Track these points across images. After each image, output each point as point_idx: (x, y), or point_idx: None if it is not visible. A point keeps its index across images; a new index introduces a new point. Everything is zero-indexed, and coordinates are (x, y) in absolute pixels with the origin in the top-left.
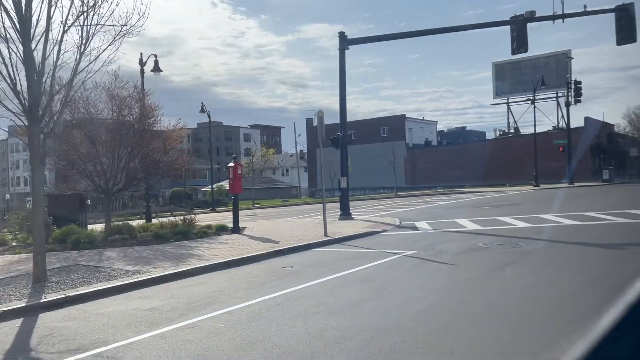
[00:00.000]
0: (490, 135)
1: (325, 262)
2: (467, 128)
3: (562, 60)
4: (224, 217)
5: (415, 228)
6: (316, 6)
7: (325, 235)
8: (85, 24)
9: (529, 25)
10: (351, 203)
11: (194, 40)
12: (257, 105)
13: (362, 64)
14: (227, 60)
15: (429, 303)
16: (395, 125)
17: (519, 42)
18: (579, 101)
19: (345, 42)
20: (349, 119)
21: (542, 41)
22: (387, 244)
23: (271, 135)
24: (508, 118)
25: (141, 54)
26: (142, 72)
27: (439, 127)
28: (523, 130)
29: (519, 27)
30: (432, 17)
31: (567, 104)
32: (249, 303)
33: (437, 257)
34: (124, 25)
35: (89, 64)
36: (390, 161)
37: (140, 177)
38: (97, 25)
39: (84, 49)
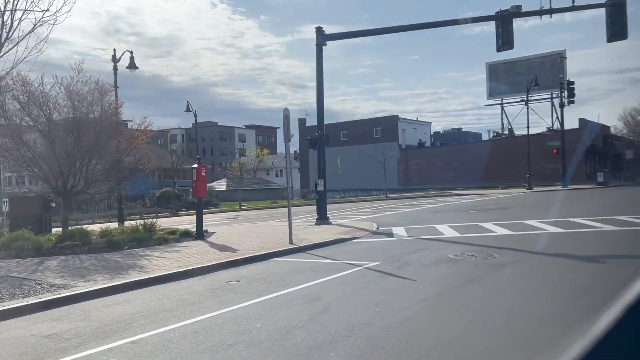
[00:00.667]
0: (485, 136)
1: (277, 275)
2: (464, 129)
3: (557, 61)
4: (205, 220)
5: (390, 235)
6: (316, 7)
7: (291, 242)
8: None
9: (524, 25)
10: (338, 206)
11: (194, 41)
12: (256, 105)
13: (361, 65)
14: (226, 61)
15: (369, 334)
16: (388, 126)
17: (505, 38)
18: (572, 102)
19: (322, 37)
20: (345, 119)
21: (540, 42)
22: (354, 254)
23: (267, 135)
24: (502, 119)
25: (114, 50)
26: (115, 68)
27: (437, 128)
28: (518, 132)
29: (504, 22)
30: (431, 19)
31: (561, 105)
32: (164, 329)
33: (400, 270)
34: (45, 11)
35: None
36: (380, 162)
37: (100, 178)
38: (15, 10)
39: (8, 36)
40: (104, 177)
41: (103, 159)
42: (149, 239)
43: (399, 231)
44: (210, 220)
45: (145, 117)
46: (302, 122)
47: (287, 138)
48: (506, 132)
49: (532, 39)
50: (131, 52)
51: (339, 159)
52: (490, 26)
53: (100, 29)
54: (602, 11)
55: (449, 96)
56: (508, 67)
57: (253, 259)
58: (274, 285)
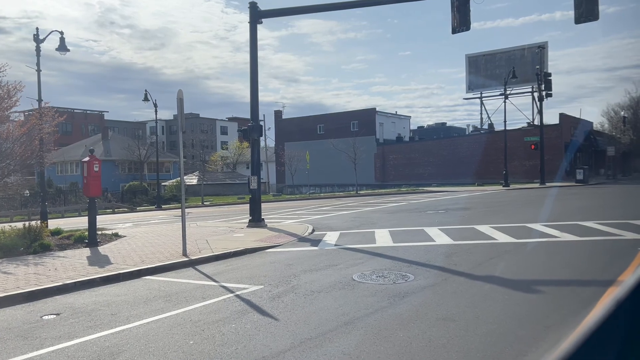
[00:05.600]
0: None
1: (116, 306)
2: (448, 124)
3: (540, 54)
4: (149, 218)
5: (317, 242)
6: (309, 2)
7: (184, 254)
8: None
9: (514, 23)
10: (296, 203)
11: (187, 34)
12: (248, 99)
13: (354, 60)
14: (219, 54)
15: None
16: (365, 120)
17: (461, 18)
18: (550, 95)
19: (256, 14)
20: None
21: (530, 41)
22: (247, 271)
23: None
24: (481, 113)
25: (37, 29)
26: (37, 49)
27: (429, 123)
28: (499, 127)
29: (460, 1)
30: (425, 16)
31: (540, 99)
32: None
33: (275, 300)
34: None
35: None
36: (351, 158)
37: None
38: None
39: None
40: None
41: None
42: (23, 245)
43: (331, 238)
44: (156, 219)
45: (47, 102)
46: (278, 114)
47: (182, 127)
48: (485, 126)
49: (522, 37)
50: (61, 33)
51: (307, 153)
52: (482, 23)
53: (94, 21)
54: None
55: (440, 92)
56: (487, 60)
57: (119, 277)
58: (93, 324)
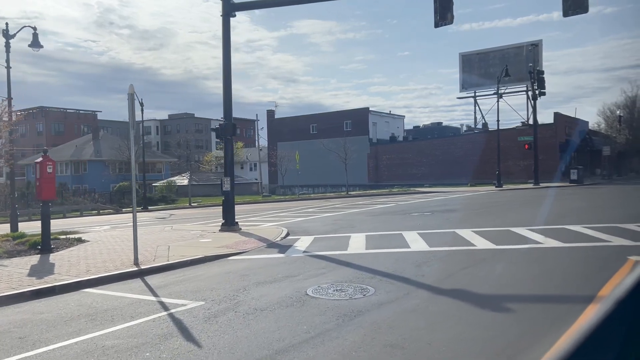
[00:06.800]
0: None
1: (35, 325)
2: (444, 124)
3: (533, 52)
4: (125, 219)
5: (286, 248)
6: (309, 2)
7: (135, 263)
8: None
9: (512, 23)
10: (283, 205)
11: (186, 34)
12: (247, 99)
13: (353, 60)
14: (218, 54)
15: None
16: (358, 119)
17: (442, 12)
18: (544, 94)
19: (229, 6)
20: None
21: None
22: (196, 283)
23: (245, 128)
24: (475, 113)
25: (6, 24)
26: (7, 45)
27: (426, 123)
28: (493, 127)
29: None
30: (423, 16)
31: (533, 97)
32: None
33: (212, 320)
34: None
35: None
36: (341, 158)
37: None
38: None
39: None
40: None
41: None
42: None
43: (302, 243)
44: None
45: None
46: (270, 114)
47: (132, 124)
48: (480, 126)
49: (520, 37)
50: (34, 29)
51: (297, 153)
52: (480, 23)
53: (93, 21)
54: (593, 10)
55: (439, 92)
56: (481, 58)
57: (53, 290)
58: None
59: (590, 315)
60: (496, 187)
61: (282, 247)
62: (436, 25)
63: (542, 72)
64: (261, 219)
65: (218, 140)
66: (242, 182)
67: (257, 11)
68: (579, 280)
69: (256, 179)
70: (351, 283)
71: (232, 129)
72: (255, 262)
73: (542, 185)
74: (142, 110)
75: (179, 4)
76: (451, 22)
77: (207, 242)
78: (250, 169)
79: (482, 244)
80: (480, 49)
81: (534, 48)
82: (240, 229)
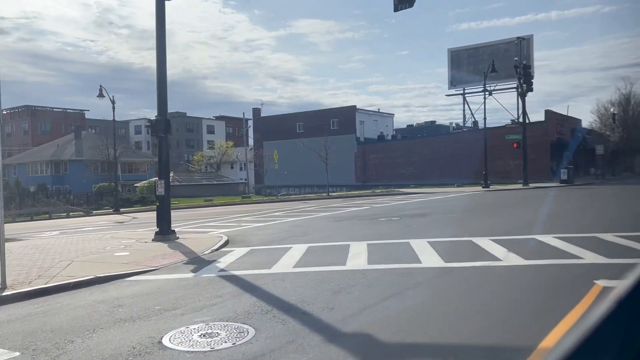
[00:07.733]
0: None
1: None
2: (438, 122)
3: (524, 47)
4: (96, 222)
5: (204, 265)
6: (308, 2)
7: (1, 287)
8: None
9: (510, 22)
10: (258, 207)
11: (184, 34)
12: (245, 99)
13: (352, 60)
14: (217, 54)
15: None
16: (345, 118)
17: None
18: (531, 90)
19: None
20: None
21: None
22: (37, 321)
23: (237, 127)
24: (464, 111)
25: None
26: None
27: (418, 121)
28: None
29: None
30: (422, 15)
31: (520, 94)
32: None
33: None
34: None
35: None
36: (322, 158)
37: None
38: None
39: None
40: None
41: None
42: None
43: (228, 258)
44: (93, 225)
45: None
46: (256, 111)
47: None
48: (469, 124)
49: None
50: None
51: (275, 152)
52: (478, 22)
53: (92, 21)
54: (591, 10)
55: (438, 91)
56: (471, 54)
57: None
58: None
59: (590, 315)
60: (483, 187)
61: (202, 264)
62: (396, 9)
63: (529, 67)
64: (218, 224)
65: (211, 140)
66: (228, 182)
67: (256, 11)
68: (527, 315)
69: (243, 179)
70: (235, 321)
71: (166, 126)
72: (150, 285)
73: (531, 185)
74: (113, 107)
75: (177, 3)
76: (411, 5)
77: (123, 255)
78: (241, 169)
79: (430, 260)
80: (469, 45)
81: (522, 42)
82: (178, 238)
